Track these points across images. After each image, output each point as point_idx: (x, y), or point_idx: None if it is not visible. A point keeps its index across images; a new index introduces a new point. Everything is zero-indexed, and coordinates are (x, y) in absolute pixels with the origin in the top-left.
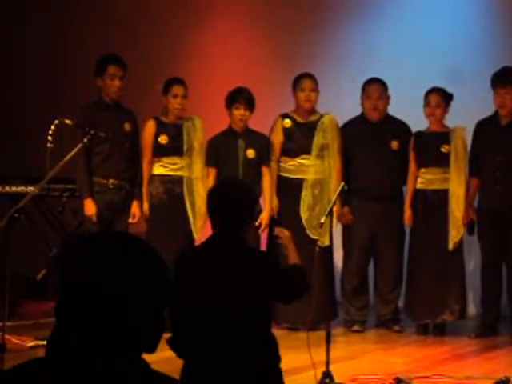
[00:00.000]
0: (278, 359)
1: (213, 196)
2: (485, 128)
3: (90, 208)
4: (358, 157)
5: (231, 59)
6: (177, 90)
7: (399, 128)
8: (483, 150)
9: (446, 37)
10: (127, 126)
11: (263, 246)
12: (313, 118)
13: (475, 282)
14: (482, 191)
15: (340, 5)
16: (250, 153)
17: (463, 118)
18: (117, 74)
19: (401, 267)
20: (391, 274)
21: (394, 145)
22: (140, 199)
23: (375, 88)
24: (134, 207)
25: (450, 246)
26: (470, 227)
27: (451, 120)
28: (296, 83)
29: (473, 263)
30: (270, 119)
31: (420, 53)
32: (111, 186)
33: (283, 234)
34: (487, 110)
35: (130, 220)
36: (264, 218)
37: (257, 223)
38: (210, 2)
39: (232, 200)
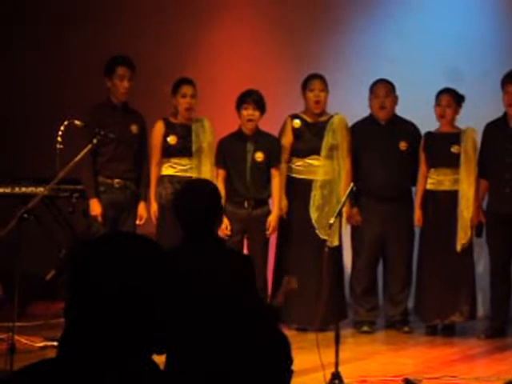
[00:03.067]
0: (289, 360)
1: (179, 198)
2: (494, 130)
3: (95, 208)
4: (367, 158)
5: (240, 60)
6: (185, 89)
7: (408, 129)
8: (492, 152)
9: (454, 38)
10: (134, 128)
11: (272, 248)
12: (322, 118)
13: (484, 284)
14: (491, 193)
15: (348, 6)
16: (259, 156)
17: (470, 119)
18: (125, 75)
19: (410, 268)
20: (400, 275)
21: (403, 145)
22: (146, 200)
23: (382, 87)
24: (141, 209)
25: (458, 248)
26: (478, 229)
27: (459, 121)
28: (305, 84)
29: (482, 265)
30: (279, 120)
31: (428, 54)
32: (116, 186)
33: (291, 284)
34: (494, 112)
35: (137, 221)
36: (272, 220)
37: (268, 229)
38: (218, 2)
39: (199, 201)
